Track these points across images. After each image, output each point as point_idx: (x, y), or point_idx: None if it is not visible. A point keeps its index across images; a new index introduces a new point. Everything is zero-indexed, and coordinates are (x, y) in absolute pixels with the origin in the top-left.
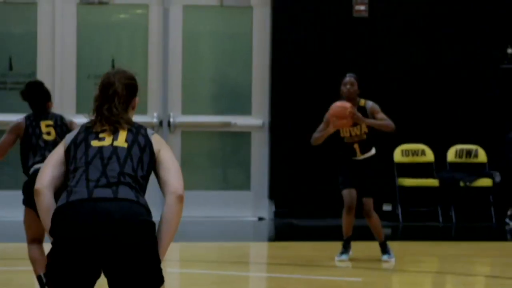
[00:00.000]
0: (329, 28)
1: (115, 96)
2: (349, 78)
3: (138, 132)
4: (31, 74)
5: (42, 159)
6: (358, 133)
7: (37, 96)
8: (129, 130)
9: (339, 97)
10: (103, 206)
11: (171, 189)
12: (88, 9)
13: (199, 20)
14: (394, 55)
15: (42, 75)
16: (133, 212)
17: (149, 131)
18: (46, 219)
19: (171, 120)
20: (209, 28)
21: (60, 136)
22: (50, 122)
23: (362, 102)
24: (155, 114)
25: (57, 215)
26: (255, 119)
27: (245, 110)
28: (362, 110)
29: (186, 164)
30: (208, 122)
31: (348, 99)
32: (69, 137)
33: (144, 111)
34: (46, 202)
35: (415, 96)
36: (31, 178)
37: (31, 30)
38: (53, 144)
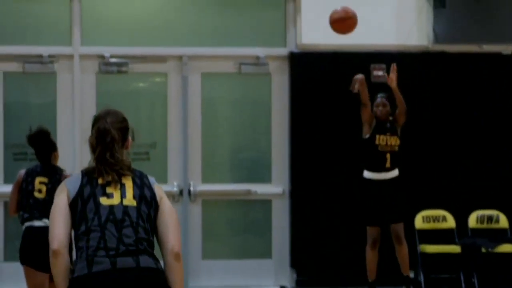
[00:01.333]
0: (348, 94)
1: (113, 142)
2: (380, 99)
3: (143, 184)
4: None
5: (31, 217)
6: (392, 143)
7: (41, 144)
8: (133, 181)
9: (359, 168)
10: (127, 277)
11: (168, 246)
12: (107, 78)
13: (217, 88)
14: (413, 121)
15: (62, 144)
16: (156, 282)
17: (151, 179)
18: (63, 283)
19: (192, 189)
20: (227, 96)
21: (50, 194)
22: (44, 180)
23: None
24: (175, 183)
25: (81, 285)
26: (275, 187)
27: (265, 177)
28: (392, 123)
29: (206, 233)
30: (228, 191)
31: (381, 119)
32: (71, 187)
33: (164, 180)
34: (65, 264)
35: (435, 162)
36: (24, 236)
37: (50, 100)
38: (43, 203)
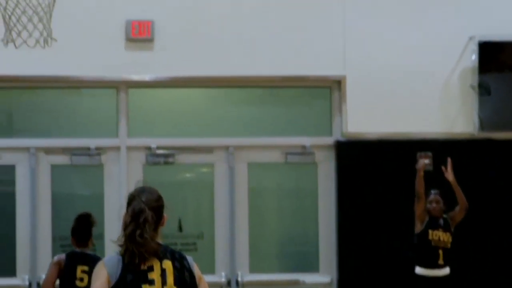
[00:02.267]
0: (394, 182)
1: (145, 223)
2: (434, 195)
3: (182, 267)
4: (99, 235)
5: None
6: (445, 239)
7: (81, 228)
8: (173, 265)
9: (407, 254)
10: None
11: None
12: (154, 169)
13: (264, 177)
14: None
15: (109, 236)
16: None
17: (190, 260)
18: None
19: (239, 279)
20: (274, 185)
21: None
22: (86, 268)
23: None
24: (223, 274)
25: None
26: (323, 276)
27: (313, 266)
28: (445, 219)
29: None
30: (276, 280)
31: (435, 216)
32: (112, 272)
33: (211, 271)
34: None
35: (487, 258)
36: None
37: (98, 191)
38: None
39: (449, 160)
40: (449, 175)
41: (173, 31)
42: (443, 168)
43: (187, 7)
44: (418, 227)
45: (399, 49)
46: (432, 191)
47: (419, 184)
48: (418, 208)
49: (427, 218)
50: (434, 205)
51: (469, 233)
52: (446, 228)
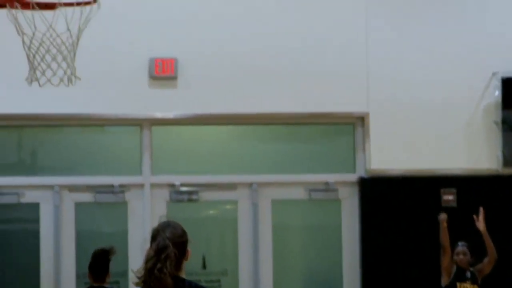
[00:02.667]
0: (418, 218)
1: (166, 259)
2: (461, 247)
3: None
4: (123, 272)
5: None
6: None
7: (96, 265)
8: None
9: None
10: None
11: None
12: (178, 206)
13: (287, 214)
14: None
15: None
16: None
17: None
18: None
19: None
20: (298, 222)
21: None
22: None
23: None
24: None
25: None
26: None
27: None
28: (473, 273)
29: None
30: None
31: (462, 268)
32: None
33: None
34: None
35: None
36: None
37: (122, 229)
38: None
39: (481, 209)
40: (480, 224)
41: (197, 69)
42: (474, 217)
43: (210, 44)
44: (445, 280)
45: (422, 85)
46: (459, 243)
47: (444, 237)
48: (444, 261)
49: (454, 269)
50: (461, 257)
51: (497, 283)
52: (473, 281)
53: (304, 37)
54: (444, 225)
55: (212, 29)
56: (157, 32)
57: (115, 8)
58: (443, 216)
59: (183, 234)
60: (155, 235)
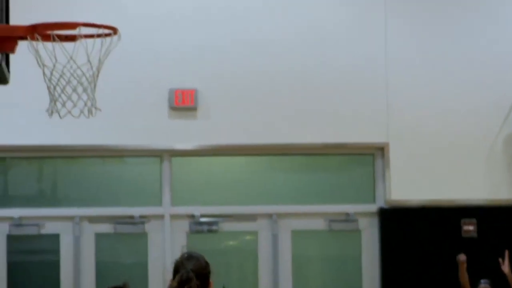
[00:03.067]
0: (438, 248)
1: None
2: (484, 285)
3: None
4: None
5: None
6: None
7: None
8: None
9: None
10: None
11: None
12: (198, 237)
13: (307, 245)
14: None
15: None
16: None
17: None
18: None
19: None
20: (317, 252)
21: None
22: None
23: None
24: None
25: None
26: None
27: None
28: None
29: None
30: None
31: None
32: None
33: None
34: None
35: None
36: None
37: (142, 259)
38: None
39: (506, 252)
40: (505, 267)
41: (216, 99)
42: (500, 260)
43: (229, 75)
44: None
45: (442, 115)
46: (482, 281)
47: (463, 278)
48: None
49: None
50: None
51: None
52: None
53: (323, 68)
54: (463, 266)
55: (231, 60)
56: (177, 63)
57: (135, 40)
58: (462, 258)
59: (206, 265)
60: (178, 266)
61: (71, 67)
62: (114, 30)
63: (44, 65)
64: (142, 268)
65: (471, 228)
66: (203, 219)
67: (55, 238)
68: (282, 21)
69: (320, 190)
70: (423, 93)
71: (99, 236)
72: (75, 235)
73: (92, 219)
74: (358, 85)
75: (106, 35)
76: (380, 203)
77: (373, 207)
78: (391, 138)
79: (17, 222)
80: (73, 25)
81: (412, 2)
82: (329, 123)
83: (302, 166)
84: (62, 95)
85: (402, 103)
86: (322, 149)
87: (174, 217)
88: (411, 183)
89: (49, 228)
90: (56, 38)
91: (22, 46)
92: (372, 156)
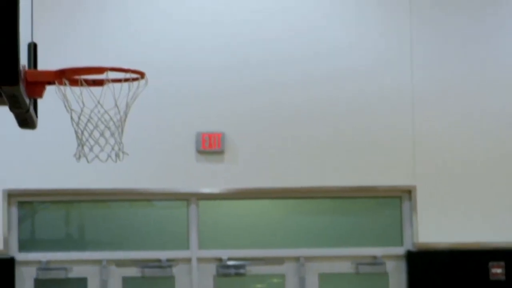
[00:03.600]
0: None
1: None
2: None
3: None
4: None
5: None
6: None
7: None
8: None
9: None
10: None
11: None
12: (225, 281)
13: None
14: None
15: None
16: None
17: None
18: None
19: None
20: None
21: None
22: None
23: None
24: None
25: None
26: None
27: None
28: None
29: None
30: None
31: None
32: None
33: None
34: None
35: None
36: None
37: None
38: None
39: None
40: None
41: (243, 143)
42: None
43: (256, 120)
44: None
45: (470, 158)
46: None
47: None
48: None
49: None
50: None
51: None
52: None
53: (350, 112)
54: None
55: (258, 104)
56: (204, 107)
57: (162, 84)
58: None
59: None
60: None
61: (98, 111)
62: (142, 75)
63: (71, 110)
64: None
65: (499, 271)
66: (230, 263)
67: (83, 282)
68: (308, 67)
69: (347, 233)
70: (450, 136)
71: (126, 280)
72: (103, 278)
73: (120, 263)
74: (384, 128)
75: (134, 79)
76: (407, 246)
77: (401, 250)
78: (418, 180)
79: (45, 266)
80: (100, 70)
81: (439, 40)
82: (356, 166)
83: (329, 209)
84: (90, 140)
85: (429, 145)
86: (349, 192)
87: (201, 260)
88: (439, 226)
89: (76, 272)
90: (84, 82)
91: (50, 91)
92: (399, 198)
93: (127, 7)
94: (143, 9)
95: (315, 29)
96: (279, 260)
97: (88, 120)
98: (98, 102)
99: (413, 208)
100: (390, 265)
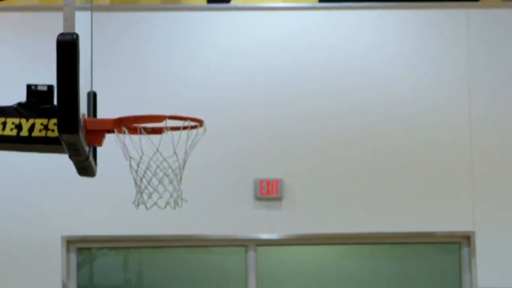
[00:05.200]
0: None
1: None
2: None
3: None
4: None
5: None
6: None
7: None
8: None
9: None
10: None
11: None
12: None
13: None
14: None
15: None
16: None
17: None
18: None
19: None
20: None
21: None
22: None
23: None
24: None
25: None
26: None
27: None
28: None
29: None
30: None
31: None
32: None
33: None
34: None
35: None
36: None
37: None
38: None
39: None
40: None
41: (301, 189)
42: None
43: (314, 166)
44: None
45: None
46: None
47: None
48: None
49: None
50: None
51: None
52: None
53: (407, 157)
54: None
55: (315, 151)
56: (262, 154)
57: (220, 131)
58: None
59: None
60: None
61: (157, 159)
62: (200, 123)
63: (130, 157)
64: None
65: None
66: None
67: None
68: (368, 119)
69: (405, 279)
70: (509, 178)
71: None
72: None
73: None
74: (441, 173)
75: (192, 127)
76: None
77: None
78: (477, 226)
79: None
80: (159, 118)
81: (496, 75)
82: (412, 211)
83: (386, 255)
84: (148, 187)
85: (488, 189)
86: (407, 238)
87: None
88: (500, 272)
89: None
90: (143, 130)
91: (109, 139)
92: (458, 244)
93: (185, 51)
94: (203, 54)
95: (375, 69)
96: None
97: (147, 168)
98: (157, 149)
99: (472, 254)
100: None
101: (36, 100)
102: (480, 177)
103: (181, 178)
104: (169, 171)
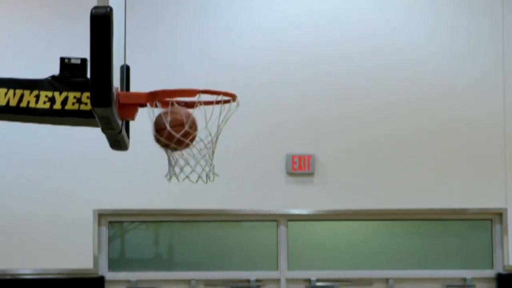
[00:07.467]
0: None
1: None
2: None
3: None
4: None
5: None
6: None
7: None
8: None
9: None
10: None
11: None
12: None
13: None
14: None
15: None
16: None
17: None
18: None
19: None
20: None
21: None
22: None
23: None
24: None
25: None
26: None
27: None
28: None
29: None
30: None
31: None
32: None
33: None
34: None
35: None
36: None
37: None
38: None
39: None
40: None
41: (333, 165)
42: None
43: (346, 141)
44: None
45: None
46: None
47: None
48: None
49: None
50: None
51: None
52: None
53: (440, 134)
54: None
55: (348, 127)
56: (294, 130)
57: (253, 106)
58: None
59: None
60: None
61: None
62: (233, 97)
63: None
64: None
65: None
66: (319, 284)
67: None
68: (401, 98)
69: (436, 255)
70: None
71: None
72: None
73: (208, 283)
74: (474, 151)
75: (225, 101)
76: (498, 269)
77: (491, 273)
78: (509, 203)
79: (134, 285)
80: (192, 92)
81: None
82: (446, 188)
83: (418, 231)
84: (180, 160)
85: None
86: (439, 214)
87: (290, 281)
88: None
89: None
90: (176, 104)
91: (142, 112)
92: (490, 221)
93: (218, 28)
94: (238, 29)
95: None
96: (367, 282)
97: None
98: None
99: (504, 231)
100: None
101: (70, 73)
102: None
103: (213, 152)
104: (202, 145)
